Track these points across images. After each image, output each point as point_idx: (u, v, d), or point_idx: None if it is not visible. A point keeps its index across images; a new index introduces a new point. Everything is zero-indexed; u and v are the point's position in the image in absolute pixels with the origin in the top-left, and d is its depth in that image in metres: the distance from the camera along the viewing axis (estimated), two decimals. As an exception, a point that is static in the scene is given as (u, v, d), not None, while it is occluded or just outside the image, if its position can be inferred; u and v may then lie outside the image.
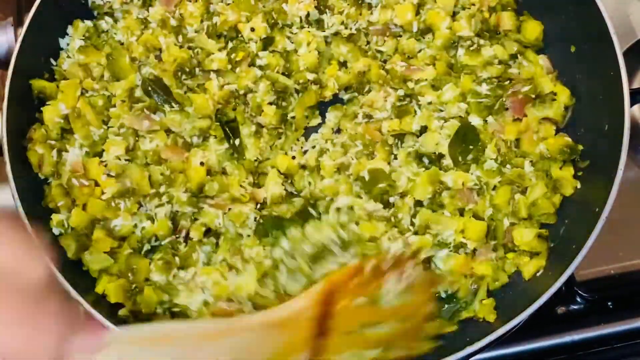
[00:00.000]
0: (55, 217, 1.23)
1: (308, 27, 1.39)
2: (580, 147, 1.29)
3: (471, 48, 1.35)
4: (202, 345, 0.91)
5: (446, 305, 1.24)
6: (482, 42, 1.36)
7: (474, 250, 1.25)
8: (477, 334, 1.14)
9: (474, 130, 1.30)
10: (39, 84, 1.30)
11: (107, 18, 1.39)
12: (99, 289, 1.20)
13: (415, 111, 1.33)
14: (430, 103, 1.33)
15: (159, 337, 0.91)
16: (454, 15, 1.39)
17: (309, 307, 1.00)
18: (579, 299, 1.37)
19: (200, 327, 0.96)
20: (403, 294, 1.06)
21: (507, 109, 1.31)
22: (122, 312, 1.19)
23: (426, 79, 1.34)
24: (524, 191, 1.28)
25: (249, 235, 1.25)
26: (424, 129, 1.32)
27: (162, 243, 1.24)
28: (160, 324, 0.95)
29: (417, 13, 1.39)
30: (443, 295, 1.24)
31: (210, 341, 0.92)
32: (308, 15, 1.38)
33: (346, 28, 1.40)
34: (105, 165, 1.26)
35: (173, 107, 1.30)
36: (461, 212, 1.27)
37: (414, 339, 1.06)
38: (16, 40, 1.27)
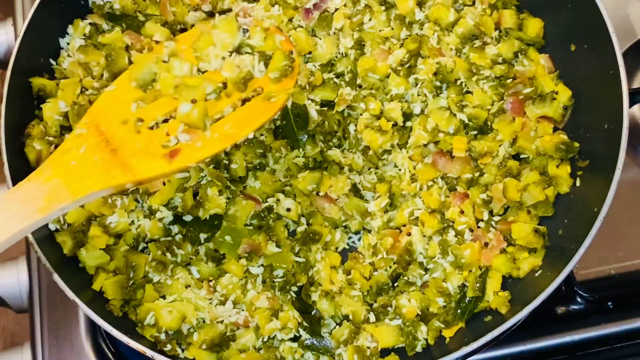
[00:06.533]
0: (51, 213, 1.23)
1: None
2: (577, 145, 1.28)
3: (475, 45, 1.35)
4: None
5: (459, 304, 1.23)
6: (487, 39, 1.37)
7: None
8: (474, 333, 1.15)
9: None
10: (38, 81, 1.30)
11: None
12: (96, 285, 1.20)
13: None
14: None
15: None
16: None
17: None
18: (579, 299, 1.37)
19: None
20: None
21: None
22: (113, 302, 1.20)
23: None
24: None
25: None
26: None
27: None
28: None
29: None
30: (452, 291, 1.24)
31: None
32: None
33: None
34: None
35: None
36: None
37: None
38: (16, 39, 1.27)
